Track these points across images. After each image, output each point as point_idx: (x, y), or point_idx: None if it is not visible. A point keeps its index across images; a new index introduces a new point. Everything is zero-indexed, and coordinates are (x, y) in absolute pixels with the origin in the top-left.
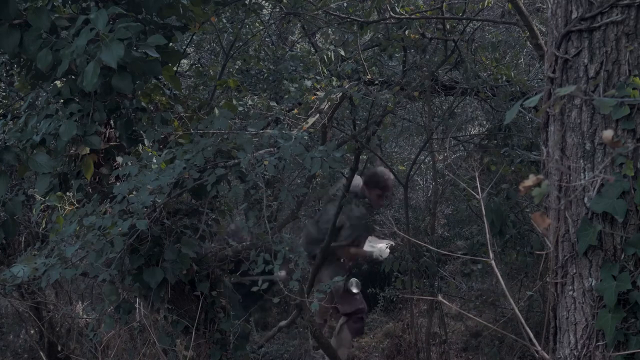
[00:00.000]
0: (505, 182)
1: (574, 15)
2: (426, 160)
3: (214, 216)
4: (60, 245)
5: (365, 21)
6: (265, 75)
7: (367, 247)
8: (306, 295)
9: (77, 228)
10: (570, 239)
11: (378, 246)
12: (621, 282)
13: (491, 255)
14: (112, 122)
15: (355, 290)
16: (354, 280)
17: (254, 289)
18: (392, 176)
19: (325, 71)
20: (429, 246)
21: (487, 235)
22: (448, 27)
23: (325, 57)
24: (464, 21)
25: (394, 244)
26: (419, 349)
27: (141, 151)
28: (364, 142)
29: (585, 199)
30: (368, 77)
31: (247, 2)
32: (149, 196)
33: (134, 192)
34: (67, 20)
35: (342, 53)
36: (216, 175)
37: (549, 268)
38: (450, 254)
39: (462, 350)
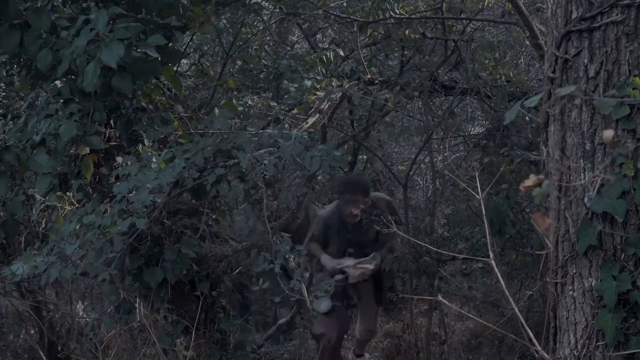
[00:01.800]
0: (505, 182)
1: (574, 15)
2: (426, 160)
3: (214, 216)
4: (60, 243)
5: (366, 21)
6: (264, 73)
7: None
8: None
9: (77, 227)
10: (570, 239)
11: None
12: (621, 282)
13: (491, 255)
14: (112, 122)
15: (321, 310)
16: (322, 298)
17: (255, 288)
18: (363, 181)
19: (324, 71)
20: (428, 246)
21: (487, 236)
22: (451, 25)
23: (324, 57)
24: (464, 21)
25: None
26: (418, 349)
27: (141, 151)
28: (362, 140)
29: (585, 199)
30: (368, 76)
31: (247, 2)
32: (149, 195)
33: (134, 192)
34: (67, 20)
35: (342, 53)
36: (216, 175)
37: (549, 268)
38: (450, 254)
39: (462, 351)
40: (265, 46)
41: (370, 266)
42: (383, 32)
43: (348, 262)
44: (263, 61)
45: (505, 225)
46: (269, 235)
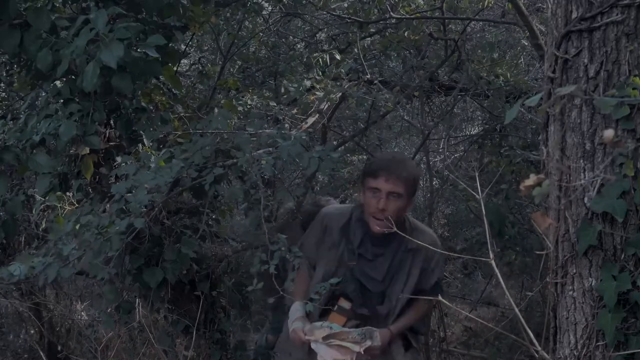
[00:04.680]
0: (504, 182)
1: (574, 15)
2: (424, 159)
3: (214, 216)
4: (57, 244)
5: (366, 21)
6: (262, 70)
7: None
8: None
9: (76, 227)
10: (570, 239)
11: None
12: (621, 282)
13: (491, 255)
14: (112, 122)
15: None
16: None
17: (250, 288)
18: (398, 157)
19: (322, 73)
20: (428, 246)
21: (487, 236)
22: (450, 26)
23: (320, 60)
24: (464, 21)
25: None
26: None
27: (141, 151)
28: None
29: (585, 199)
30: (367, 77)
31: (247, 2)
32: (147, 195)
33: (133, 191)
34: (67, 20)
35: (338, 57)
36: (214, 175)
37: (549, 268)
38: (450, 254)
39: (462, 350)
40: (263, 46)
41: (356, 349)
42: (381, 35)
43: (321, 331)
44: (262, 54)
45: (505, 226)
46: (265, 235)
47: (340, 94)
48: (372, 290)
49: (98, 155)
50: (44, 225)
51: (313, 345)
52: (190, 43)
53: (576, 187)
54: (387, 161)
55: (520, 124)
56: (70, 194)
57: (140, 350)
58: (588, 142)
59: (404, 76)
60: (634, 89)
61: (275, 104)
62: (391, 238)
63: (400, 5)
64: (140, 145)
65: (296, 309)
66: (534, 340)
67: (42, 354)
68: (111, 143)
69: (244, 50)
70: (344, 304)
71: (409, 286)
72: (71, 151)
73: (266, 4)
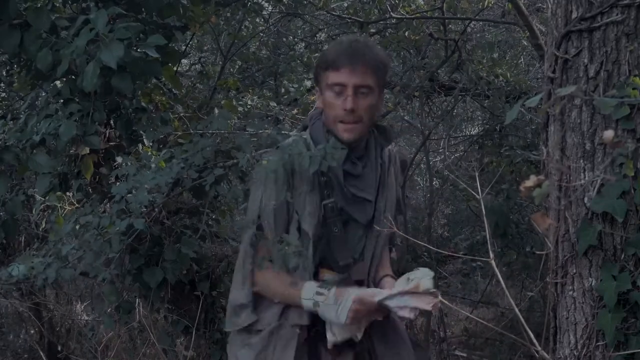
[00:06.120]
0: (504, 182)
1: (574, 15)
2: (424, 159)
3: (214, 216)
4: (57, 244)
5: (366, 21)
6: (262, 70)
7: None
8: None
9: (77, 227)
10: (570, 239)
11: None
12: (621, 282)
13: (491, 255)
14: (112, 122)
15: None
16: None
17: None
18: (361, 41)
19: None
20: (428, 245)
21: (487, 235)
22: (450, 26)
23: None
24: (464, 21)
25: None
26: None
27: (141, 151)
28: None
29: (585, 199)
30: None
31: (247, 2)
32: (147, 196)
33: (133, 192)
34: (67, 20)
35: None
36: (215, 176)
37: (549, 268)
38: (450, 253)
39: (462, 350)
40: (263, 46)
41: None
42: (381, 35)
43: (392, 289)
44: (262, 53)
45: (509, 227)
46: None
47: None
48: (361, 222)
49: (98, 155)
50: (44, 225)
51: (391, 302)
52: (190, 43)
53: (576, 187)
54: (348, 46)
55: (520, 124)
56: (70, 194)
57: (140, 350)
58: (588, 142)
59: (404, 76)
60: (634, 89)
61: (275, 104)
62: (368, 144)
63: (401, 5)
64: (140, 145)
65: (311, 286)
66: (534, 340)
67: (42, 354)
68: (111, 143)
69: (244, 50)
70: (328, 276)
71: (391, 201)
72: (71, 151)
73: (266, 4)
